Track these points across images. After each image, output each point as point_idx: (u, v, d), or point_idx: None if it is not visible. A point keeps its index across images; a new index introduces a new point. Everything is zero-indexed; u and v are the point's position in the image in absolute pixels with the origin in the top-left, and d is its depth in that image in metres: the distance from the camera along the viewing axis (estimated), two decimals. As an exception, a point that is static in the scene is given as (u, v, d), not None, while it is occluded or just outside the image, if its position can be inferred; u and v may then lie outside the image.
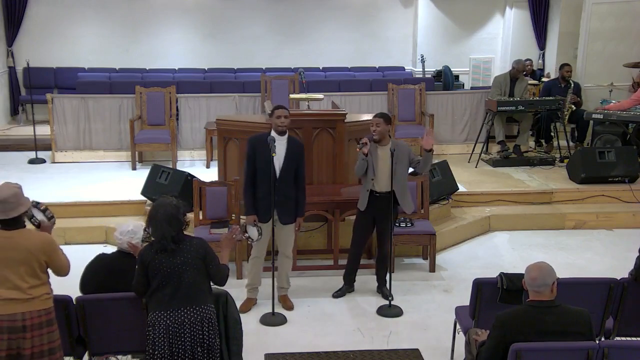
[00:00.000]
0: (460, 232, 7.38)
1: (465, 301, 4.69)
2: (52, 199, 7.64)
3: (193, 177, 7.11)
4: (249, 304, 5.77)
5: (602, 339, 4.55)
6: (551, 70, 11.41)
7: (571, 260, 6.89)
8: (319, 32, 12.81)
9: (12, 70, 11.91)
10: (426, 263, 6.73)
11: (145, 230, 4.06)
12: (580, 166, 8.29)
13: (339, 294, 6.02)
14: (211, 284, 4.10)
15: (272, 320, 5.52)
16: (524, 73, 10.84)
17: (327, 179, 6.82)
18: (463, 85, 12.55)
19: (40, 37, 12.05)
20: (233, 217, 6.59)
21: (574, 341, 3.59)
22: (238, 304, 4.68)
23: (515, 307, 3.75)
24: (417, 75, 12.20)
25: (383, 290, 5.98)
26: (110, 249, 5.84)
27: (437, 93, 10.35)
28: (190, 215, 5.24)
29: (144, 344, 3.97)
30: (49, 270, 3.97)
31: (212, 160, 8.98)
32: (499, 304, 4.33)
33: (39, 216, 4.13)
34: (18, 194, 3.83)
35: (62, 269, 3.99)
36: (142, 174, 7.95)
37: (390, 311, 5.68)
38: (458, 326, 4.80)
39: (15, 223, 3.83)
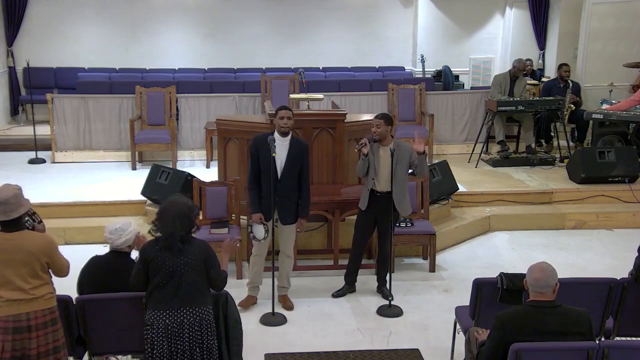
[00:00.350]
0: (460, 232, 7.38)
1: (465, 301, 4.69)
2: (52, 199, 7.66)
3: (193, 177, 7.11)
4: (249, 301, 5.77)
5: (602, 339, 4.56)
6: (551, 70, 11.41)
7: (571, 260, 6.89)
8: (319, 32, 12.81)
9: (12, 70, 11.91)
10: (426, 263, 6.73)
11: (153, 222, 4.03)
12: (580, 166, 8.29)
13: (339, 293, 6.02)
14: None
15: (272, 320, 5.53)
16: (524, 73, 10.86)
17: (327, 179, 6.82)
18: (463, 85, 12.55)
19: (40, 37, 12.04)
20: (233, 217, 6.59)
21: (574, 341, 3.59)
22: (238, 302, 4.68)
23: (516, 307, 3.74)
24: (417, 75, 12.20)
25: (383, 290, 5.98)
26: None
27: (437, 93, 10.35)
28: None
29: (144, 344, 3.97)
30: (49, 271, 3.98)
31: (212, 160, 8.98)
32: (499, 304, 4.33)
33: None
34: (18, 195, 3.84)
35: (63, 270, 4.00)
36: (142, 174, 7.95)
37: (390, 311, 5.68)
38: (458, 326, 4.80)
39: (15, 225, 3.84)
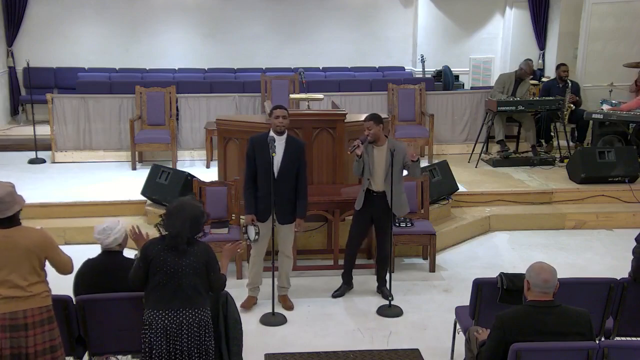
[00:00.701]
0: (460, 232, 7.39)
1: (465, 301, 4.69)
2: (52, 199, 7.67)
3: (193, 177, 7.12)
4: (250, 302, 5.78)
5: (602, 339, 4.56)
6: (551, 70, 11.40)
7: (571, 260, 6.89)
8: (319, 32, 12.80)
9: (12, 70, 11.90)
10: (426, 263, 6.73)
11: (161, 217, 4.02)
12: (580, 166, 8.29)
13: (338, 293, 6.03)
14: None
15: (272, 320, 5.53)
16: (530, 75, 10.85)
17: (327, 179, 6.82)
18: (463, 85, 12.55)
19: (40, 37, 12.04)
20: (233, 217, 6.59)
21: (574, 341, 3.58)
22: (238, 303, 4.68)
23: (516, 307, 3.74)
24: (417, 75, 12.19)
25: (383, 290, 5.98)
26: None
27: (437, 93, 10.34)
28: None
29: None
30: (51, 269, 3.98)
31: (212, 160, 8.98)
32: (499, 304, 4.33)
33: None
34: (13, 193, 3.85)
35: (66, 265, 4.01)
36: (142, 174, 7.95)
37: (390, 311, 5.68)
38: (458, 326, 4.80)
39: (11, 221, 3.85)
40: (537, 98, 9.60)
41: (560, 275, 3.72)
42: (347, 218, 6.46)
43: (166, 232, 3.94)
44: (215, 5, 12.52)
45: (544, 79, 11.04)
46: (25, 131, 10.57)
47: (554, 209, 7.95)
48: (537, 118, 9.58)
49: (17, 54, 11.94)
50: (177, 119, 9.55)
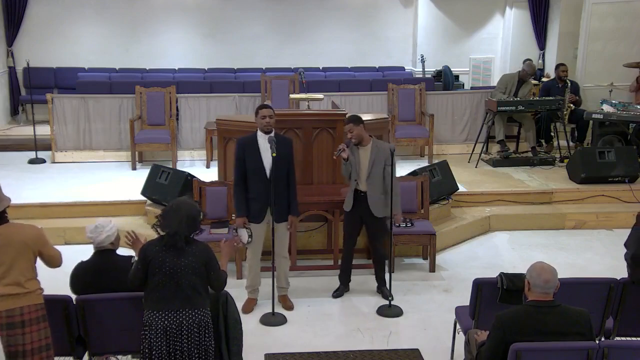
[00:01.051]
0: (460, 232, 7.39)
1: (465, 301, 4.69)
2: (52, 199, 7.67)
3: (193, 177, 7.12)
4: (251, 304, 5.77)
5: (602, 339, 4.56)
6: (551, 70, 11.40)
7: (571, 260, 6.89)
8: (319, 32, 12.81)
9: (12, 70, 11.91)
10: (426, 263, 6.73)
11: (157, 217, 4.02)
12: (580, 166, 8.29)
13: (337, 294, 6.03)
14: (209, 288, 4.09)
15: (272, 320, 5.53)
16: (532, 76, 10.84)
17: (327, 179, 6.82)
18: (463, 85, 12.55)
19: (40, 37, 12.04)
20: (233, 217, 6.58)
21: (574, 341, 3.58)
22: (238, 304, 4.68)
23: (516, 307, 3.74)
24: (417, 75, 12.20)
25: (383, 290, 5.98)
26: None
27: (437, 93, 10.34)
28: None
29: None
30: (41, 268, 3.99)
31: (212, 160, 8.98)
32: (499, 304, 4.33)
33: None
34: None
35: (56, 259, 4.04)
36: (142, 174, 7.95)
37: (390, 311, 5.68)
38: (458, 326, 4.80)
39: (0, 219, 3.88)
40: (537, 98, 9.60)
41: (560, 275, 3.72)
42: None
43: (163, 232, 3.94)
44: (215, 5, 12.52)
45: (544, 79, 11.04)
46: (25, 131, 10.57)
47: (554, 209, 7.95)
48: (537, 118, 9.58)
49: (17, 54, 11.94)
50: (177, 119, 9.54)
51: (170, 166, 8.37)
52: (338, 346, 5.15)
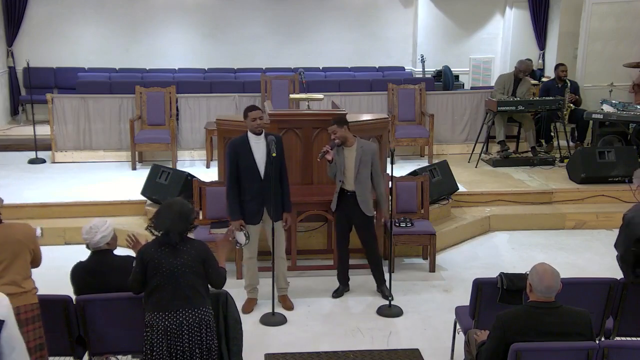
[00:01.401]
0: (460, 232, 7.38)
1: (465, 301, 4.69)
2: (52, 199, 7.67)
3: (193, 177, 7.12)
4: (251, 304, 5.77)
5: (602, 339, 4.55)
6: (551, 70, 11.40)
7: (571, 260, 6.88)
8: (319, 32, 12.80)
9: (12, 70, 11.91)
10: (426, 263, 6.73)
11: (150, 220, 4.02)
12: (580, 166, 8.29)
13: (337, 294, 6.03)
14: (209, 286, 4.09)
15: (272, 320, 5.53)
16: (527, 74, 10.84)
17: (327, 179, 6.77)
18: (463, 85, 12.55)
19: (40, 37, 12.04)
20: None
21: (574, 341, 3.59)
22: (238, 304, 4.68)
23: (516, 307, 3.74)
24: (417, 75, 12.20)
25: (382, 289, 5.98)
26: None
27: (437, 93, 10.34)
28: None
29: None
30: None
31: (212, 160, 8.98)
32: (499, 304, 4.33)
33: None
34: None
35: (40, 259, 4.04)
36: (142, 174, 7.95)
37: (390, 311, 5.68)
38: (458, 326, 4.80)
39: None
40: (537, 98, 9.59)
41: (560, 276, 3.71)
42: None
43: (158, 233, 3.94)
44: (215, 5, 12.52)
45: (544, 79, 11.04)
46: (25, 131, 10.56)
47: (554, 209, 7.95)
48: (537, 118, 9.58)
49: (17, 54, 11.94)
50: (177, 119, 9.54)
51: (170, 166, 8.37)
52: (338, 346, 5.15)
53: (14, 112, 11.93)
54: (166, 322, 3.86)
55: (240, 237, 5.48)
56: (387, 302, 5.76)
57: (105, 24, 12.28)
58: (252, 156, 5.47)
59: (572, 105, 9.65)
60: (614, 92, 9.62)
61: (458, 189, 7.76)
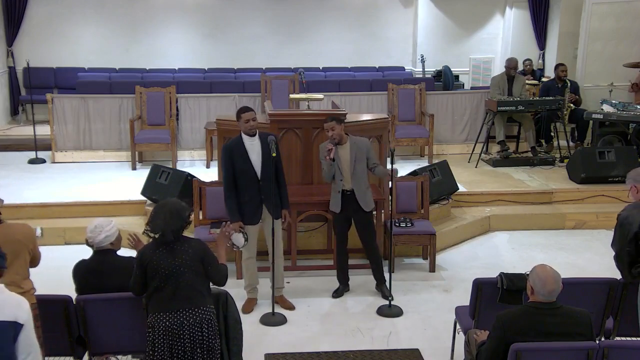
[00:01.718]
0: (460, 232, 7.38)
1: (465, 301, 4.69)
2: (52, 199, 7.67)
3: (193, 177, 7.12)
4: (251, 304, 5.77)
5: (602, 339, 4.55)
6: (551, 70, 11.40)
7: (571, 260, 6.88)
8: (319, 32, 12.81)
9: (12, 70, 11.91)
10: (426, 263, 6.73)
11: (147, 224, 4.02)
12: (580, 166, 8.29)
13: (337, 294, 6.03)
14: (211, 284, 4.09)
15: (272, 320, 5.53)
16: (523, 72, 10.84)
17: (327, 179, 6.81)
18: (463, 85, 12.56)
19: (40, 37, 12.04)
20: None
21: (574, 341, 3.58)
22: (238, 304, 4.68)
23: (516, 307, 3.74)
24: (417, 75, 12.20)
25: (382, 289, 5.98)
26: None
27: (437, 93, 10.34)
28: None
29: (144, 344, 3.97)
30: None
31: (212, 160, 8.98)
32: (499, 304, 4.33)
33: None
34: None
35: (38, 259, 4.05)
36: (142, 174, 7.95)
37: (390, 311, 5.68)
38: (458, 326, 4.80)
39: None
40: (537, 98, 9.59)
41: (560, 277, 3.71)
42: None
43: (155, 235, 3.94)
44: (215, 5, 12.52)
45: (544, 79, 11.04)
46: (25, 131, 10.57)
47: (554, 209, 7.95)
48: (537, 118, 9.58)
49: (17, 54, 11.94)
50: (177, 119, 9.55)
51: (170, 166, 8.37)
52: (338, 346, 5.14)
53: (14, 112, 11.93)
54: (167, 323, 3.86)
55: (239, 239, 5.48)
56: (387, 302, 5.76)
57: (105, 24, 12.28)
58: (247, 158, 5.47)
59: (572, 105, 9.65)
60: (614, 92, 9.62)
61: (458, 189, 7.76)
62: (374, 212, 6.21)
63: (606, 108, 9.20)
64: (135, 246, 4.29)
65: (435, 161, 8.30)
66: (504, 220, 7.72)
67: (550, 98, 9.18)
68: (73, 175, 8.75)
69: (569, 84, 9.64)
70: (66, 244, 7.05)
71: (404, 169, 8.17)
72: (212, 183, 6.76)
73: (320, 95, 7.98)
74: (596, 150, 8.45)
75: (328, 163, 5.70)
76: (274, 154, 5.40)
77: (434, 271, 6.57)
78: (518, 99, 9.09)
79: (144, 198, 7.49)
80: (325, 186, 6.73)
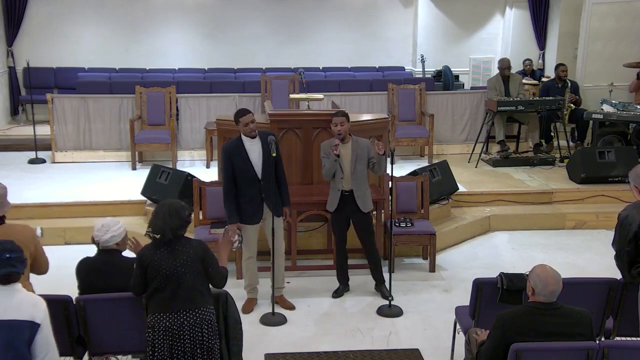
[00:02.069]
0: (460, 232, 7.39)
1: (465, 301, 4.69)
2: (52, 199, 7.67)
3: (193, 177, 7.12)
4: (251, 304, 5.77)
5: (602, 339, 4.55)
6: (551, 70, 11.40)
7: (571, 260, 6.88)
8: (319, 32, 12.81)
9: (12, 70, 11.91)
10: (426, 263, 6.73)
11: (148, 226, 4.03)
12: (580, 166, 8.29)
13: (337, 294, 6.03)
14: (210, 286, 4.09)
15: (272, 320, 5.53)
16: (523, 72, 10.85)
17: (327, 179, 6.81)
18: (463, 85, 12.56)
19: (40, 37, 12.05)
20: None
21: (574, 341, 3.58)
22: (238, 304, 4.68)
23: (517, 307, 3.74)
24: (417, 75, 12.20)
25: (381, 288, 5.98)
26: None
27: (437, 93, 10.34)
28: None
29: (144, 345, 3.97)
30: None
31: (212, 160, 8.98)
32: (499, 304, 4.33)
33: None
34: (4, 194, 4.01)
35: (46, 264, 4.08)
36: (142, 174, 7.95)
37: (390, 311, 5.68)
38: (458, 326, 4.80)
39: (1, 220, 3.97)
40: (537, 98, 9.59)
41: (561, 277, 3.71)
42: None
43: (157, 236, 3.95)
44: (215, 5, 12.53)
45: (544, 79, 11.04)
46: (25, 131, 10.57)
47: (554, 209, 7.95)
48: (538, 118, 9.57)
49: (17, 54, 11.94)
50: (177, 119, 9.55)
51: (170, 166, 8.37)
52: (338, 346, 5.15)
53: (14, 112, 11.94)
54: (167, 323, 3.86)
55: (235, 240, 5.49)
56: (387, 302, 5.76)
57: (105, 24, 12.28)
58: (248, 159, 5.47)
59: (572, 105, 9.66)
60: (614, 92, 9.62)
61: (458, 189, 7.76)
62: (374, 212, 6.21)
63: (606, 108, 9.20)
64: (135, 249, 4.29)
65: (435, 161, 8.30)
66: (504, 220, 7.72)
67: (550, 98, 9.18)
68: (73, 175, 8.75)
69: (569, 84, 9.64)
70: (66, 244, 7.05)
71: (404, 169, 8.18)
72: (212, 183, 6.75)
73: (320, 96, 7.98)
74: (596, 150, 8.45)
75: (332, 159, 5.67)
76: (274, 154, 5.40)
77: (434, 271, 6.57)
78: (518, 98, 9.09)
79: (144, 198, 7.49)
80: (325, 186, 6.73)
